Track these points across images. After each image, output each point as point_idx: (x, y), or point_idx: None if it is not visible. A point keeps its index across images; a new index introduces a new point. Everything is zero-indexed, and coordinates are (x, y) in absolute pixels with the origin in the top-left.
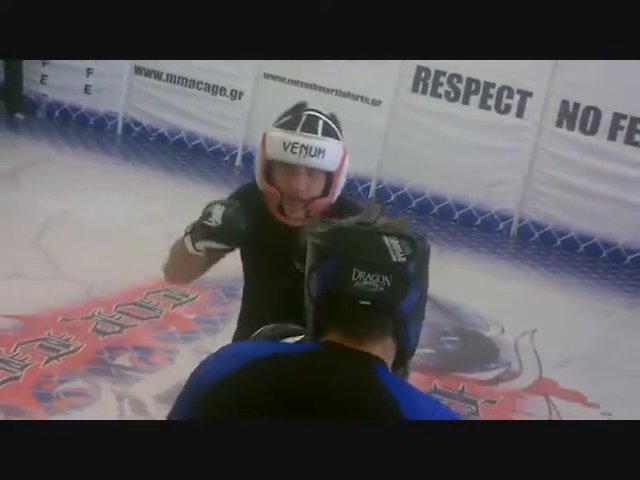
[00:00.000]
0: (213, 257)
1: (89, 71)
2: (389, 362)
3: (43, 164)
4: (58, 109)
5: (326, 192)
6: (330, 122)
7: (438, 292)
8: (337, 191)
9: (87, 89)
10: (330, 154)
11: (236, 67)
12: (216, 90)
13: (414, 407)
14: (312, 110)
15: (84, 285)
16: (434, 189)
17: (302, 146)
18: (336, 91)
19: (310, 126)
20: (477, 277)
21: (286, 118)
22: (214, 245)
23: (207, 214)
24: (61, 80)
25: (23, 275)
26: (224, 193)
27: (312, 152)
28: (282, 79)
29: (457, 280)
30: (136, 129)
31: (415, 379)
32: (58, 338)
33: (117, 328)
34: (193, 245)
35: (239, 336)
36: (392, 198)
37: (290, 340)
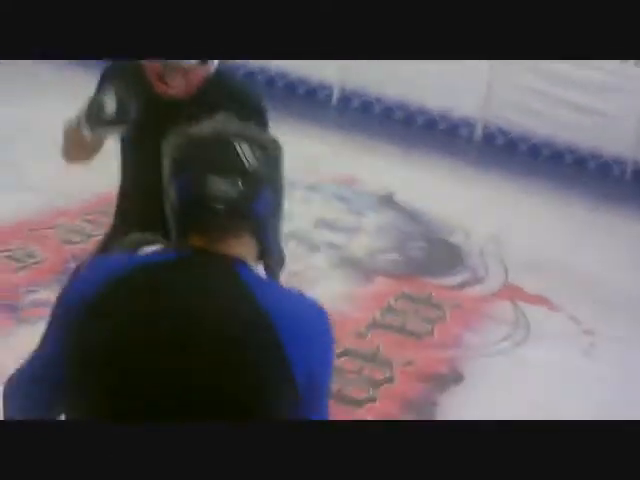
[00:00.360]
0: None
1: None
2: (252, 261)
3: None
4: None
5: (205, 61)
6: None
7: (403, 198)
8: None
9: None
10: None
11: None
12: None
13: (274, 298)
14: None
15: (48, 198)
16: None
17: None
18: None
19: None
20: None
21: None
22: (113, 131)
23: (100, 102)
24: None
25: None
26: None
27: None
28: None
29: (423, 185)
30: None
31: (382, 284)
32: (23, 249)
33: (84, 237)
34: (91, 132)
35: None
36: None
37: (148, 249)
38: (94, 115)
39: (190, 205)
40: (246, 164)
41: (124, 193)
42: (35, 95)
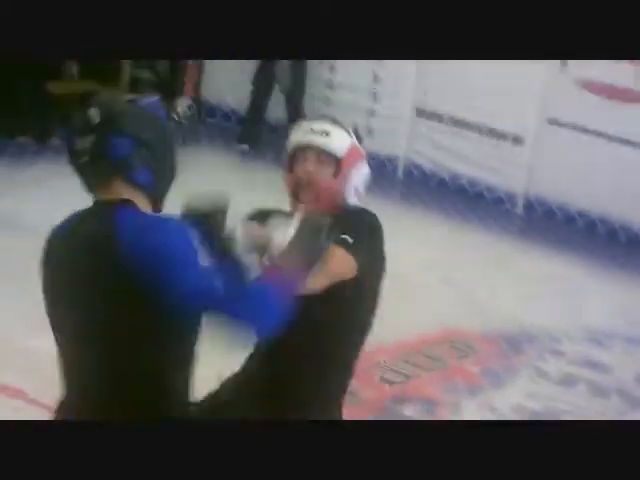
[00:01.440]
0: None
1: (371, 113)
2: (137, 201)
3: None
4: None
5: (335, 176)
6: (343, 125)
7: None
8: (347, 180)
9: (369, 131)
10: (335, 137)
11: (518, 112)
12: (498, 135)
13: (133, 224)
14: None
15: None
16: None
17: (311, 129)
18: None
19: (322, 120)
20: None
21: None
22: None
23: None
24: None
25: None
26: (503, 241)
27: (318, 132)
28: (565, 125)
29: None
30: (416, 173)
31: None
32: None
33: (402, 378)
34: None
35: None
36: None
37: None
38: None
39: (74, 163)
40: (94, 122)
41: None
42: None
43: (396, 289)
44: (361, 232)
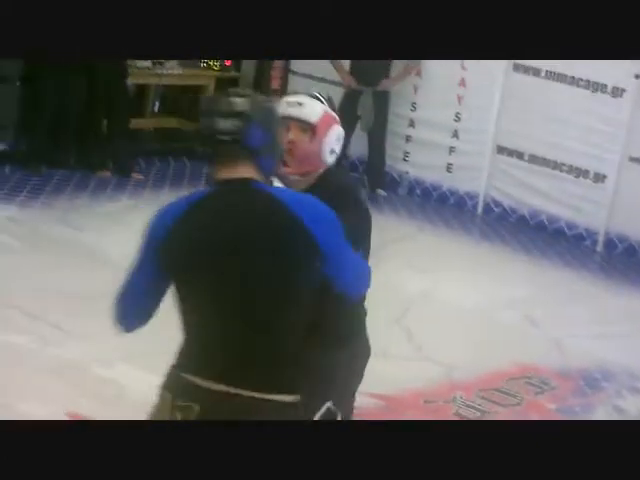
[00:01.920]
0: None
1: (451, 149)
2: (260, 179)
3: (405, 242)
4: (419, 187)
5: (311, 140)
6: (320, 96)
7: None
8: (322, 143)
9: (449, 167)
10: (308, 107)
11: (600, 149)
12: (579, 172)
13: (293, 199)
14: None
15: (445, 367)
16: None
17: (286, 102)
18: None
19: (297, 94)
20: None
21: None
22: None
23: None
24: (424, 158)
25: (387, 354)
26: (583, 278)
27: (292, 104)
28: None
29: None
30: (496, 209)
31: None
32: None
33: (478, 414)
34: None
35: None
36: None
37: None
38: None
39: (210, 141)
40: (240, 109)
41: None
42: (439, 267)
43: (475, 325)
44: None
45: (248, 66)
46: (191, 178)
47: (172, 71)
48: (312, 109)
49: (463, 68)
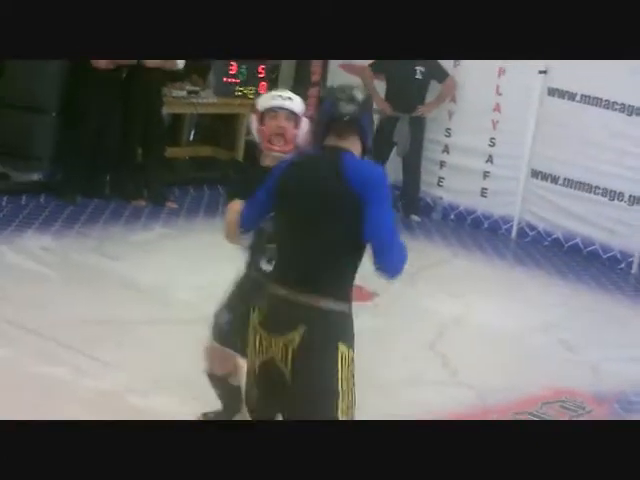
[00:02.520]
0: None
1: (486, 174)
2: (357, 151)
3: (439, 267)
4: (453, 212)
5: (296, 127)
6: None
7: None
8: (302, 130)
9: (483, 192)
10: (296, 101)
11: (634, 172)
12: (614, 195)
13: (355, 168)
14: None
15: (480, 391)
16: None
17: (279, 96)
18: None
19: (282, 89)
20: None
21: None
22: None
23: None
24: (458, 183)
25: (422, 380)
26: (618, 302)
27: (285, 97)
28: None
29: None
30: (531, 233)
31: None
32: None
33: None
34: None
35: None
36: None
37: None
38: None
39: (330, 117)
40: (358, 97)
41: None
42: (473, 291)
43: (509, 349)
44: None
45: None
46: (224, 206)
47: (207, 100)
48: (298, 103)
49: (498, 93)
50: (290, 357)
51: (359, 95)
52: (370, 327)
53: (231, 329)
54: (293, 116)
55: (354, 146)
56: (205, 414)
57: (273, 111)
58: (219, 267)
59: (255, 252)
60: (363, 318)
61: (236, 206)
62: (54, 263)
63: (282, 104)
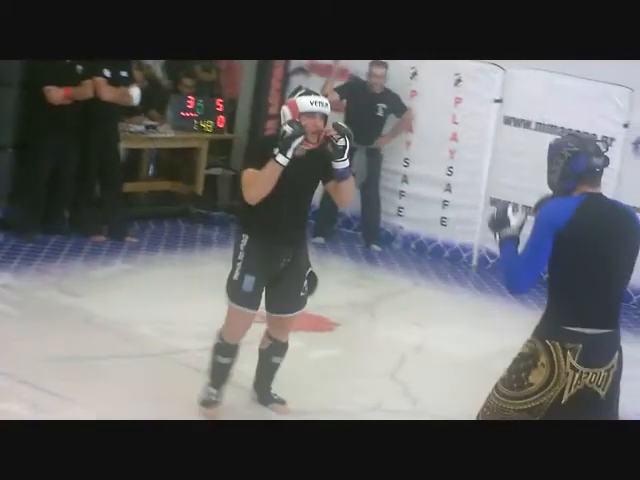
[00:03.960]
0: None
1: (445, 203)
2: None
3: (401, 296)
4: (414, 241)
5: (325, 126)
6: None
7: None
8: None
9: (443, 221)
10: (327, 106)
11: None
12: None
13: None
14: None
15: (441, 419)
16: None
17: (319, 102)
18: None
19: (316, 94)
20: None
21: (300, 92)
22: (297, 144)
23: (283, 133)
24: (417, 212)
25: (381, 408)
26: None
27: (323, 104)
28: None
29: None
30: (491, 261)
31: None
32: None
33: None
34: (285, 157)
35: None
36: None
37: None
38: (284, 143)
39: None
40: None
41: None
42: (434, 320)
43: (470, 376)
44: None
45: (241, 127)
46: (185, 240)
47: (165, 134)
48: (329, 107)
49: (454, 122)
50: (610, 380)
51: (603, 148)
52: (331, 356)
53: (256, 291)
54: (325, 119)
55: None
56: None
57: (312, 113)
58: (179, 301)
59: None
60: (324, 347)
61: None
62: (14, 301)
63: (321, 110)
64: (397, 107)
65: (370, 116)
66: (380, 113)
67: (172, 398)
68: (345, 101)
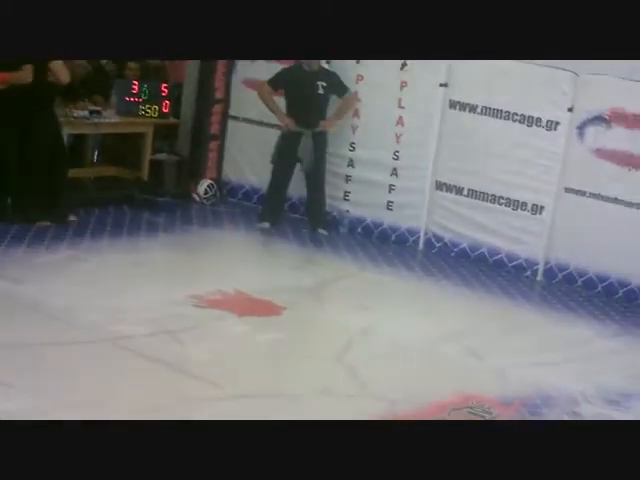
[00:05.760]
0: None
1: (391, 187)
2: None
3: (347, 280)
4: (360, 225)
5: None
6: None
7: None
8: None
9: (389, 205)
10: None
11: (537, 181)
12: (517, 205)
13: None
14: None
15: (388, 402)
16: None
17: None
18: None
19: None
20: None
21: None
22: None
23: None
24: (363, 196)
25: (330, 392)
26: (524, 309)
27: None
28: (582, 193)
29: None
30: (437, 244)
31: None
32: None
33: None
34: None
35: None
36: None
37: None
38: None
39: None
40: None
41: None
42: (380, 303)
43: (418, 359)
44: None
45: (187, 112)
46: (130, 226)
47: (110, 120)
48: None
49: (400, 107)
50: None
51: None
52: (278, 339)
53: None
54: None
55: None
56: None
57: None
58: (125, 287)
59: None
60: (271, 331)
61: None
62: None
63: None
64: (337, 86)
65: (311, 95)
66: (320, 91)
67: (118, 384)
68: (284, 90)
